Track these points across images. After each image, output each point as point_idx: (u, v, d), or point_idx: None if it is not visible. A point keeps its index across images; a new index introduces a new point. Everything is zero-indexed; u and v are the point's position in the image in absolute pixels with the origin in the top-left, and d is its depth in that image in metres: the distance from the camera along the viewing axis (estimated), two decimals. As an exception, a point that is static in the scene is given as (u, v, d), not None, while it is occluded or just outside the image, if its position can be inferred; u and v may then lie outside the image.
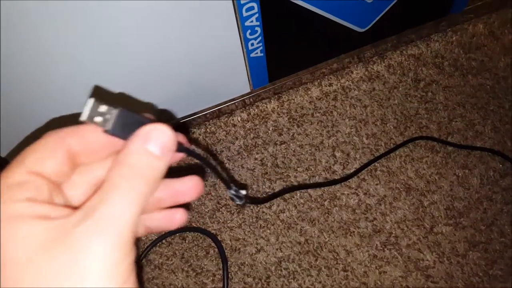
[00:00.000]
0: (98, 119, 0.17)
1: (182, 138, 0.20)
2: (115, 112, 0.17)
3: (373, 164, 0.49)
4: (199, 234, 0.48)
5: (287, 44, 0.48)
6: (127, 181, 0.16)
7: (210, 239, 0.47)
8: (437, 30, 0.58)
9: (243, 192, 0.24)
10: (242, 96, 0.53)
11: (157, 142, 0.16)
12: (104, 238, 0.14)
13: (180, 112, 0.52)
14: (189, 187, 0.21)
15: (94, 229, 0.15)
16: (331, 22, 0.47)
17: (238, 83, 0.51)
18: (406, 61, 0.56)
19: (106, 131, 0.17)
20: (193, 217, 0.49)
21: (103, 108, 0.17)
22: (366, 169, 0.49)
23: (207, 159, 0.22)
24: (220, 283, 0.46)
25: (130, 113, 0.17)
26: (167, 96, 0.49)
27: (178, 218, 0.21)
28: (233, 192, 0.23)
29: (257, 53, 0.46)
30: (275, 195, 0.49)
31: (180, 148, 0.18)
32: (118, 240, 0.15)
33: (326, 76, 0.55)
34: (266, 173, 0.51)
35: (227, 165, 0.52)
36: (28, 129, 0.44)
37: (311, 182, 0.49)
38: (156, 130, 0.17)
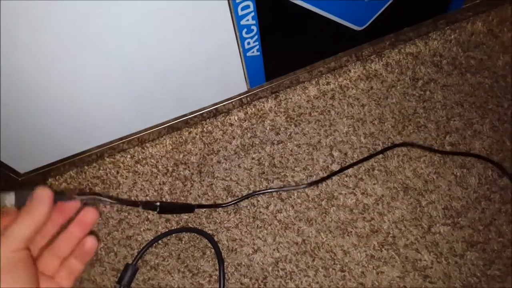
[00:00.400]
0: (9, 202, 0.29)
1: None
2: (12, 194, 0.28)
3: (370, 164, 0.49)
4: (195, 234, 0.48)
5: (284, 42, 0.48)
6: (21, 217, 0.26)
7: (207, 240, 0.47)
8: (436, 28, 0.57)
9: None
10: (239, 95, 0.53)
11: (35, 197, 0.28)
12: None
13: (176, 112, 0.52)
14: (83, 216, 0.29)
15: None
16: (328, 21, 0.46)
17: (235, 82, 0.50)
18: (404, 59, 0.55)
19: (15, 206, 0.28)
20: (189, 217, 0.49)
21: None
22: (363, 169, 0.49)
23: (97, 195, 0.32)
24: (216, 283, 0.45)
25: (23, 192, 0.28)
26: (163, 95, 0.48)
27: (89, 243, 0.29)
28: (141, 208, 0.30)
29: (253, 52, 0.46)
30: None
31: (57, 199, 0.28)
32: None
33: (324, 75, 0.55)
34: (263, 172, 0.50)
35: (224, 164, 0.51)
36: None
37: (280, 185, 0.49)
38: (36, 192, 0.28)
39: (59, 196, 0.29)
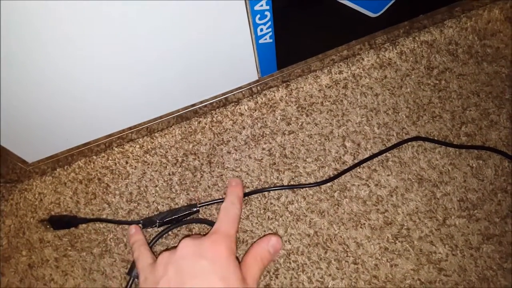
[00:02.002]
0: None
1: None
2: None
3: (384, 155, 0.48)
4: (205, 225, 0.47)
5: (297, 29, 0.46)
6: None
7: (217, 231, 0.46)
8: (451, 16, 0.56)
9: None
10: (250, 84, 0.51)
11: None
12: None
13: (186, 101, 0.51)
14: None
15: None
16: (344, 7, 0.45)
17: (246, 70, 0.49)
18: (419, 48, 0.54)
19: None
20: (200, 207, 0.48)
21: None
22: (377, 160, 0.48)
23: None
24: (227, 275, 0.45)
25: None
26: (173, 84, 0.47)
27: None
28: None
29: (266, 39, 0.44)
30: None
31: None
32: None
33: (336, 64, 0.53)
34: (274, 163, 0.50)
35: (234, 155, 0.51)
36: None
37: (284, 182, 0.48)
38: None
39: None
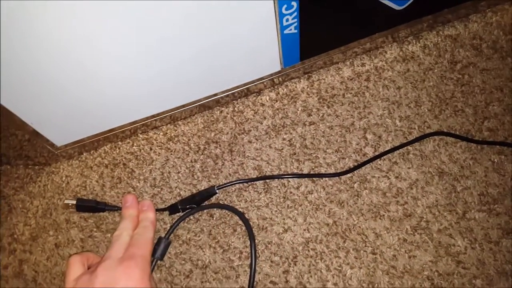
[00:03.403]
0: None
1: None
2: None
3: (405, 148, 0.48)
4: (226, 211, 0.48)
5: (321, 21, 0.47)
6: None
7: (238, 217, 0.47)
8: (476, 11, 0.55)
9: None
10: (272, 75, 0.52)
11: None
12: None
13: (208, 90, 0.52)
14: None
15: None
16: (369, -1, 0.45)
17: (269, 61, 0.50)
18: (442, 42, 0.54)
19: None
20: (220, 194, 0.49)
21: None
22: (397, 153, 0.48)
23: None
24: (246, 260, 0.46)
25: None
26: (194, 72, 0.48)
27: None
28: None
29: (291, 29, 0.45)
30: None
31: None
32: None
33: (359, 56, 0.54)
34: (295, 153, 0.50)
35: (254, 144, 0.51)
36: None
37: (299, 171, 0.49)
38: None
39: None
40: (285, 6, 0.41)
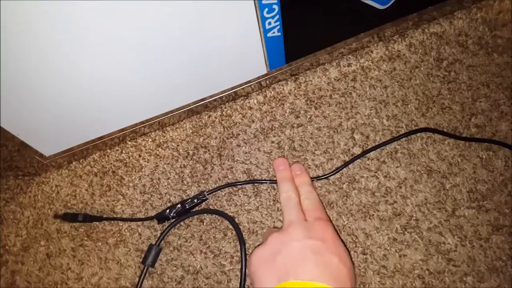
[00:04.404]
0: None
1: None
2: None
3: (393, 146, 0.48)
4: (216, 216, 0.48)
5: (305, 22, 0.47)
6: None
7: (228, 221, 0.47)
8: (461, 7, 0.55)
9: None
10: (259, 78, 0.52)
11: None
12: None
13: (196, 95, 0.52)
14: None
15: None
16: (351, -1, 0.45)
17: (255, 64, 0.50)
18: (428, 39, 0.54)
19: None
20: (210, 199, 0.49)
21: None
22: (386, 152, 0.48)
23: None
24: (238, 264, 0.46)
25: None
26: (182, 78, 0.48)
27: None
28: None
29: (274, 32, 0.45)
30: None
31: None
32: None
33: (345, 56, 0.54)
34: (283, 156, 0.50)
35: (243, 148, 0.51)
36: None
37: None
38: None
39: None
40: (266, 9, 0.41)
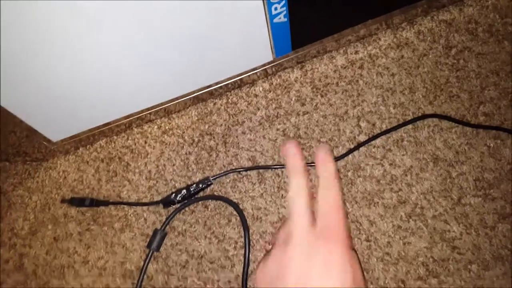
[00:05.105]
0: None
1: None
2: None
3: (399, 134, 0.48)
4: (221, 202, 0.49)
5: (312, 8, 0.46)
6: None
7: (232, 208, 0.48)
8: (472, -6, 0.54)
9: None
10: (264, 65, 0.52)
11: None
12: None
13: (201, 82, 0.52)
14: None
15: None
16: (359, -16, 0.44)
17: (261, 51, 0.50)
18: (437, 27, 0.53)
19: None
20: (215, 186, 0.49)
21: None
22: (391, 140, 0.48)
23: None
24: (241, 250, 0.46)
25: None
26: (187, 65, 0.48)
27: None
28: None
29: (280, 18, 0.45)
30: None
31: None
32: None
33: (352, 44, 0.53)
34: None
35: (248, 135, 0.51)
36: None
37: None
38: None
39: None
40: (272, -6, 0.41)
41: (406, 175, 0.47)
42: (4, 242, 0.51)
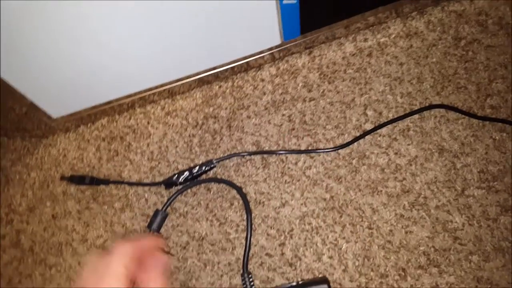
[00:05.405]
0: None
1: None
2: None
3: (406, 124, 0.48)
4: (223, 186, 0.48)
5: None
6: None
7: (235, 191, 0.47)
8: (483, -14, 0.54)
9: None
10: (272, 48, 0.51)
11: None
12: None
13: (207, 63, 0.51)
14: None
15: None
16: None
17: (269, 33, 0.49)
18: (447, 17, 0.53)
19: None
20: (218, 169, 0.49)
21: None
22: (398, 130, 0.48)
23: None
24: (243, 233, 0.46)
25: None
26: (193, 44, 0.47)
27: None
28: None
29: None
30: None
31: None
32: None
33: (361, 31, 0.52)
34: (293, 129, 0.50)
35: (253, 120, 0.51)
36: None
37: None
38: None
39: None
40: (286, -27, 0.40)
41: (410, 165, 0.46)
42: (1, 217, 0.50)
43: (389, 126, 0.48)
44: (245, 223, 0.46)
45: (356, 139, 0.48)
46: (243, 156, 0.49)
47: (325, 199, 0.46)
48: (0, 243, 0.49)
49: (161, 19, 0.42)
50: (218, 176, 0.49)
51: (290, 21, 0.47)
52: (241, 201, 0.47)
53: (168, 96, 0.54)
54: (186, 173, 0.47)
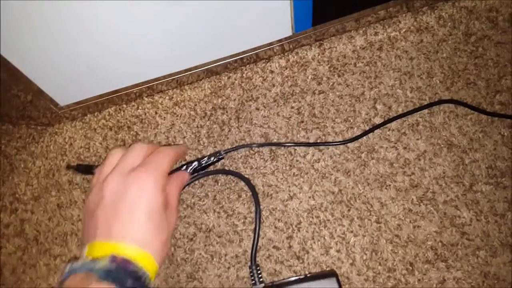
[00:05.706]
0: None
1: None
2: None
3: (415, 119, 0.48)
4: (231, 178, 0.48)
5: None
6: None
7: (243, 183, 0.47)
8: (494, -17, 0.54)
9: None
10: (281, 40, 0.51)
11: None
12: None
13: (216, 53, 0.50)
14: None
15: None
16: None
17: (280, 24, 0.48)
18: (458, 13, 0.52)
19: None
20: (226, 160, 0.49)
21: None
22: (407, 124, 0.48)
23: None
24: (250, 225, 0.46)
25: None
26: (202, 33, 0.47)
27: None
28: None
29: (305, -9, 0.43)
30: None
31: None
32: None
33: (372, 25, 0.52)
34: (302, 122, 0.50)
35: (262, 112, 0.51)
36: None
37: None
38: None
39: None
40: (301, -36, 0.40)
41: (419, 160, 0.46)
42: (5, 206, 0.50)
43: (399, 120, 0.48)
44: (252, 215, 0.46)
45: (365, 133, 0.48)
46: (252, 147, 0.49)
47: (333, 193, 0.46)
48: (4, 232, 0.49)
49: (171, 8, 0.42)
50: (226, 168, 0.48)
51: (302, 12, 0.47)
52: (249, 193, 0.47)
53: (176, 86, 0.53)
54: (195, 164, 0.46)
